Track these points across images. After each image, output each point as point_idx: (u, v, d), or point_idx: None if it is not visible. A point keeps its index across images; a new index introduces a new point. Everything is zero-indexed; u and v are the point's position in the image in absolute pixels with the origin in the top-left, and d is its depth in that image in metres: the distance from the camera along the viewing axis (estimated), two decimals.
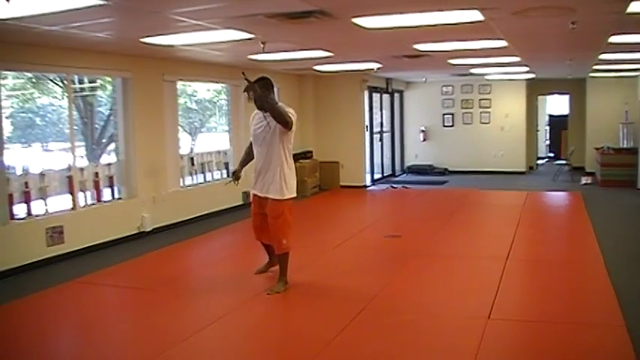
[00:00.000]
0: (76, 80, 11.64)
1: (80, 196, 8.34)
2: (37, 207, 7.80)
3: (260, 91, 5.86)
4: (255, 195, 6.22)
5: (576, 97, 16.67)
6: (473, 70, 13.06)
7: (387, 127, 16.64)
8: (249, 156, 6.39)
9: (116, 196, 9.05)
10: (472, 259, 7.36)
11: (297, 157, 13.10)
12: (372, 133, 15.22)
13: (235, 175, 6.43)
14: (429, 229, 9.21)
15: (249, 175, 6.37)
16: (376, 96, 15.57)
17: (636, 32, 7.17)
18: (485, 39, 7.69)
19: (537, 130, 18.63)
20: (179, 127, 10.96)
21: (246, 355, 4.68)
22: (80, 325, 5.54)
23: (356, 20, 6.07)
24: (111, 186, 8.98)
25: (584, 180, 14.33)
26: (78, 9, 5.02)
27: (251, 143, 6.29)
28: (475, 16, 5.85)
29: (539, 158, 18.83)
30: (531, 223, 9.64)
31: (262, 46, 7.61)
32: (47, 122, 14.79)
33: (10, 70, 8.77)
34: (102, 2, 4.83)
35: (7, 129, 12.28)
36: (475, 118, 16.96)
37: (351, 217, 11.12)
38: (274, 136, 5.96)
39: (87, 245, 8.08)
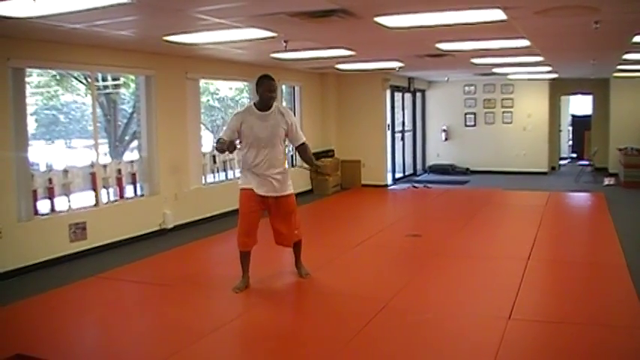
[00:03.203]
0: (100, 78, 11.73)
1: (103, 192, 8.42)
2: (61, 203, 7.89)
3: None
4: (255, 194, 5.97)
5: (600, 97, 16.53)
6: (495, 70, 12.99)
7: (408, 126, 16.60)
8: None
9: (138, 193, 9.12)
10: (493, 259, 7.33)
11: (318, 156, 13.16)
12: (393, 132, 15.20)
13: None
14: (450, 228, 9.18)
15: None
16: (398, 95, 15.56)
17: None
18: (508, 38, 7.66)
19: (560, 131, 18.49)
20: (201, 125, 11.01)
21: (265, 353, 4.69)
22: (101, 319, 5.58)
23: (378, 19, 6.07)
24: (133, 183, 9.06)
25: (606, 181, 14.21)
26: (102, 7, 5.06)
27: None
28: (498, 15, 5.83)
29: (561, 159, 18.70)
30: (553, 223, 9.58)
31: (285, 44, 7.63)
32: (71, 119, 14.91)
33: (34, 68, 8.87)
34: (126, 1, 4.86)
35: (32, 126, 12.39)
36: (497, 117, 16.87)
37: (372, 216, 11.10)
38: (277, 137, 5.99)
39: (109, 241, 8.16)
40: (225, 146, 5.74)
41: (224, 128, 6.08)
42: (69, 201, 7.98)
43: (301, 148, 6.18)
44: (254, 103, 6.00)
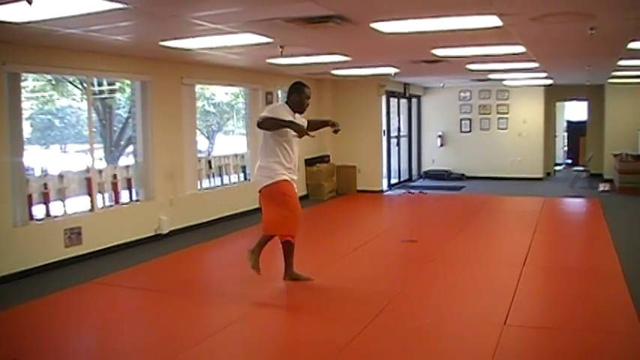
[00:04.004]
0: (95, 83, 11.72)
1: (98, 197, 8.40)
2: (56, 208, 7.86)
3: None
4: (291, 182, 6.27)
5: (595, 103, 16.57)
6: (491, 76, 13.02)
7: (404, 131, 16.60)
8: None
9: (134, 198, 9.11)
10: (489, 265, 7.34)
11: (314, 161, 13.18)
12: (389, 138, 15.18)
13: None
14: (446, 234, 9.18)
15: None
16: (394, 101, 15.56)
17: None
18: (503, 44, 7.68)
19: (555, 137, 18.53)
20: (197, 130, 11.00)
21: (262, 358, 4.69)
22: (97, 325, 5.57)
23: (374, 25, 6.08)
24: (129, 188, 9.04)
25: (602, 187, 14.23)
26: (98, 12, 5.06)
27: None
28: (494, 21, 5.85)
29: (556, 164, 18.71)
30: (548, 229, 9.59)
31: (281, 50, 7.64)
32: (66, 124, 14.88)
33: (30, 72, 8.85)
34: (122, 6, 4.87)
35: (27, 130, 12.37)
36: (493, 123, 16.90)
37: (368, 222, 11.11)
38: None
39: (104, 247, 8.14)
40: (295, 126, 5.94)
41: (269, 113, 6.13)
42: (64, 206, 7.96)
43: (309, 123, 6.49)
44: (287, 104, 6.28)
